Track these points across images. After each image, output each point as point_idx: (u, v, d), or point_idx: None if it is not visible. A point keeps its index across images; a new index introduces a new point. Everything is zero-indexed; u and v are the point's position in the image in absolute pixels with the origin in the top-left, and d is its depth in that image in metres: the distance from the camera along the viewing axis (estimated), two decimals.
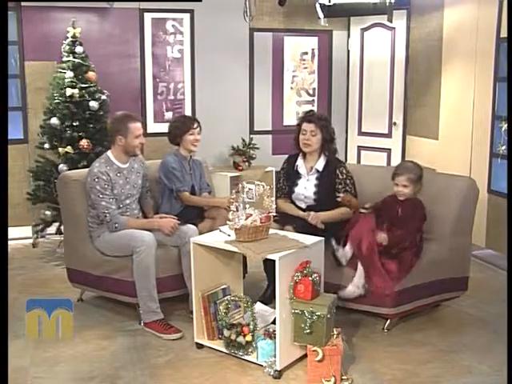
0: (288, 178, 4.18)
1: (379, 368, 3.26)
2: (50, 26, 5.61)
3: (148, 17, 5.96)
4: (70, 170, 4.74)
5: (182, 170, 4.23)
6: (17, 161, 5.59)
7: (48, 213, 5.25)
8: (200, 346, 3.48)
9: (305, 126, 4.04)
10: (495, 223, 4.90)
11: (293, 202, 4.13)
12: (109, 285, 3.89)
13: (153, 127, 6.10)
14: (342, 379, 3.09)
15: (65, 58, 5.22)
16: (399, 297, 3.60)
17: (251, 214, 3.34)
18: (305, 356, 3.20)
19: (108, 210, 3.77)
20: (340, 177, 4.01)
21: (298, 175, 4.13)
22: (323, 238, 3.46)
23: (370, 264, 3.57)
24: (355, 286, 3.64)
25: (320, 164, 4.08)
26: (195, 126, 4.27)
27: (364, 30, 6.45)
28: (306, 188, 4.08)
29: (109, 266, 3.85)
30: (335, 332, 3.17)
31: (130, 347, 3.53)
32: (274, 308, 3.27)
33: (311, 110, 4.29)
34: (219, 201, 4.23)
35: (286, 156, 4.37)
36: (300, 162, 4.15)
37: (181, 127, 4.25)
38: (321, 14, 5.80)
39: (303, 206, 4.08)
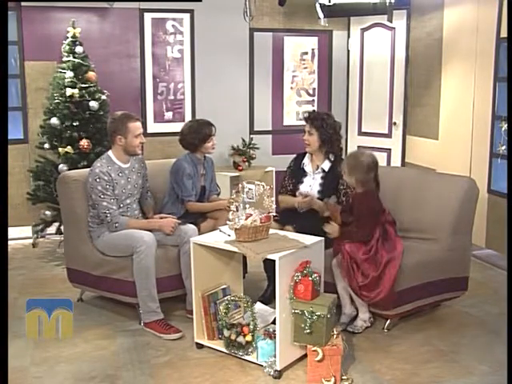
0: (293, 176, 4.21)
1: (379, 368, 3.27)
2: (50, 26, 5.61)
3: (148, 17, 5.95)
4: (69, 169, 4.74)
5: (194, 175, 4.20)
6: (17, 161, 5.59)
7: (48, 213, 5.26)
8: (200, 346, 3.48)
9: (305, 126, 4.13)
10: (495, 223, 4.90)
11: None
12: (109, 285, 3.89)
13: (153, 127, 6.10)
14: (341, 379, 3.09)
15: (65, 58, 5.22)
16: (399, 297, 3.60)
17: (251, 214, 3.34)
18: (305, 356, 3.20)
19: (109, 210, 3.77)
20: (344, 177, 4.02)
21: (303, 173, 4.18)
22: (323, 238, 3.47)
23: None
24: (362, 320, 3.68)
25: (326, 164, 4.11)
26: (213, 132, 4.22)
27: (364, 30, 6.45)
28: (310, 186, 4.11)
29: (109, 266, 3.85)
30: (335, 332, 3.17)
31: (129, 347, 3.53)
32: (274, 308, 3.27)
33: (313, 110, 4.31)
34: (221, 203, 4.22)
35: (286, 156, 4.41)
36: (306, 160, 4.20)
37: (200, 137, 4.15)
38: (321, 14, 5.79)
39: None
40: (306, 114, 4.18)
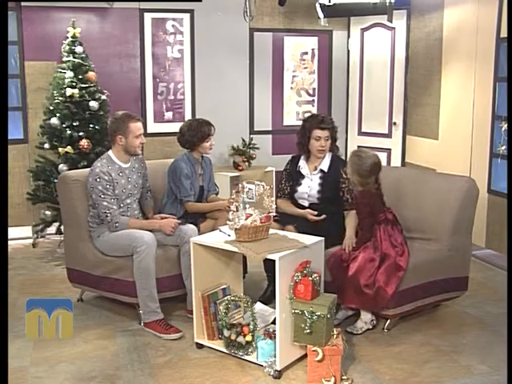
0: (290, 178, 4.20)
1: (379, 368, 3.27)
2: (50, 26, 5.61)
3: (148, 17, 5.95)
4: (70, 169, 4.74)
5: (192, 175, 4.20)
6: (17, 161, 5.59)
7: (48, 213, 5.26)
8: (200, 346, 3.49)
9: (319, 132, 4.06)
10: (495, 223, 4.90)
11: (294, 202, 4.16)
12: (109, 285, 3.89)
13: (153, 127, 6.10)
14: (341, 379, 3.09)
15: (65, 58, 5.23)
16: (399, 297, 3.60)
17: (251, 214, 3.34)
18: (305, 356, 3.20)
19: (109, 210, 3.77)
20: (344, 176, 4.01)
21: (300, 175, 4.16)
22: (323, 238, 3.47)
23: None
24: (363, 322, 3.68)
25: (325, 164, 4.12)
26: (212, 132, 4.23)
27: (364, 30, 6.45)
28: (309, 187, 4.11)
29: (109, 266, 3.85)
30: (335, 332, 3.17)
31: (129, 347, 3.54)
32: (274, 308, 3.27)
33: (319, 115, 4.26)
34: (221, 203, 4.22)
35: (286, 156, 4.41)
36: (302, 162, 4.18)
37: (198, 135, 4.15)
38: (321, 14, 5.79)
39: (306, 204, 4.11)
40: (319, 123, 4.07)
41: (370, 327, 3.69)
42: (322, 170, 4.12)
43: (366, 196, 3.67)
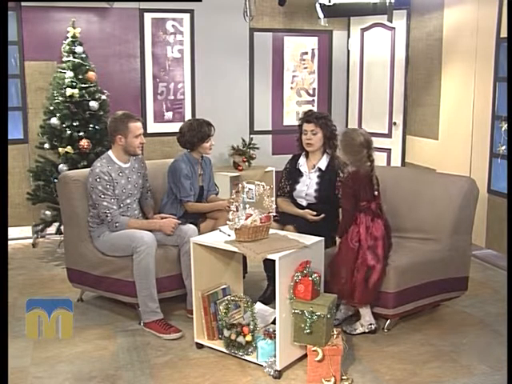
0: (289, 177, 4.21)
1: (379, 368, 3.27)
2: (50, 26, 5.61)
3: (148, 17, 5.96)
4: (70, 169, 4.74)
5: (192, 175, 4.20)
6: (17, 161, 5.59)
7: (48, 213, 5.26)
8: (200, 346, 3.49)
9: (305, 126, 4.10)
10: (495, 223, 4.90)
11: (293, 201, 4.16)
12: (109, 285, 3.89)
13: (153, 127, 6.10)
14: (341, 379, 3.09)
15: (65, 58, 5.23)
16: (399, 297, 3.60)
17: (251, 214, 3.34)
18: (305, 356, 3.20)
19: (109, 210, 3.77)
20: (341, 175, 4.00)
21: (299, 173, 4.16)
22: (323, 238, 3.47)
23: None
24: (360, 324, 3.67)
25: (323, 162, 4.12)
26: (212, 132, 4.23)
27: (364, 30, 6.45)
28: (307, 185, 4.11)
29: (109, 266, 3.85)
30: (335, 332, 3.17)
31: (129, 347, 3.54)
32: (274, 308, 3.27)
33: (310, 110, 4.32)
34: (221, 204, 4.22)
35: (287, 156, 4.43)
36: (302, 160, 4.19)
37: (198, 135, 4.15)
38: (321, 14, 5.79)
39: (304, 203, 4.11)
40: (306, 116, 4.14)
41: (367, 331, 3.64)
42: (319, 169, 4.12)
43: (356, 178, 3.57)
